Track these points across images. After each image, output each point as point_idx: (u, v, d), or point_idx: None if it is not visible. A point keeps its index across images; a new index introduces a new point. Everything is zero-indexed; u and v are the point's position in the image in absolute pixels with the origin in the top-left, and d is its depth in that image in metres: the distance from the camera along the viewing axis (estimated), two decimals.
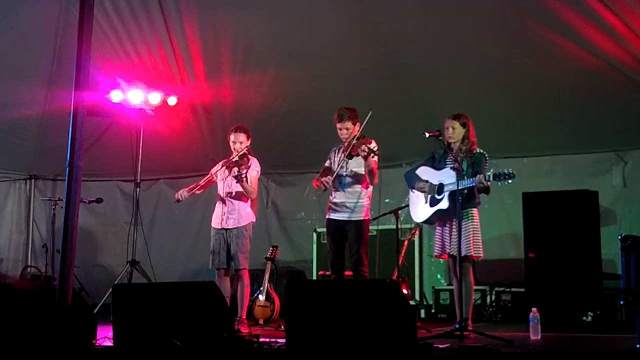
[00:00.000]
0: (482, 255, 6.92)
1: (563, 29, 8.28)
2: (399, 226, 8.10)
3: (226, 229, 7.68)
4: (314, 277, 9.99)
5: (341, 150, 7.42)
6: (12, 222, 12.09)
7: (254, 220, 7.87)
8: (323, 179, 7.33)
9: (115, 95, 10.07)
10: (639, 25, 7.97)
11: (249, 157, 7.75)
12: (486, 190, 6.78)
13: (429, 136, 6.85)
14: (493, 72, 9.09)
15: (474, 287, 7.14)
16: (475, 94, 9.18)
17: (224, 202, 7.75)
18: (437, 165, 7.10)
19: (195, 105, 10.50)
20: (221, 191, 7.81)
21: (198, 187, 7.90)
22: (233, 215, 7.69)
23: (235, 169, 7.52)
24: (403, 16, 8.78)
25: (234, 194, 7.72)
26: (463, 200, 6.70)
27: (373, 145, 7.13)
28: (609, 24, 8.02)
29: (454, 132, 6.99)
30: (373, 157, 7.08)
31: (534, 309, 6.67)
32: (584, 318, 8.02)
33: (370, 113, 7.23)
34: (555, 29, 8.34)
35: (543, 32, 8.42)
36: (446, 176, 6.87)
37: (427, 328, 7.42)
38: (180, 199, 7.91)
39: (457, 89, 9.25)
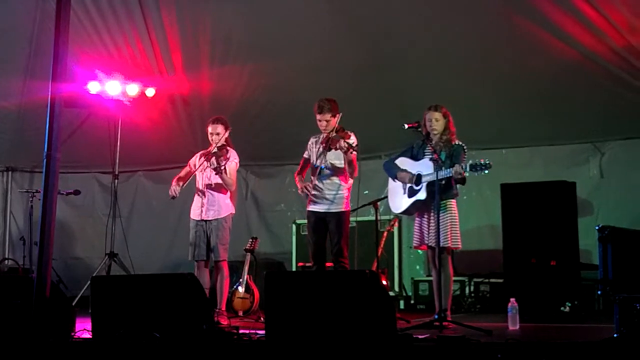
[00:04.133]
0: (460, 246, 6.96)
1: (542, 22, 8.32)
2: (379, 217, 8.11)
3: (206, 221, 7.66)
4: (294, 269, 9.99)
5: (319, 142, 7.42)
6: None
7: (234, 211, 7.86)
8: (304, 185, 7.35)
9: (93, 87, 10.00)
10: (616, 18, 8.03)
11: (228, 148, 7.73)
12: (462, 180, 6.81)
13: (408, 127, 6.87)
14: (472, 64, 9.12)
15: (453, 278, 7.17)
16: (454, 85, 9.19)
17: (203, 193, 7.73)
18: (416, 156, 7.12)
19: (174, 96, 10.46)
20: (200, 183, 7.78)
21: (182, 180, 7.84)
22: (213, 207, 7.67)
23: (214, 160, 7.51)
24: (383, 9, 8.79)
25: (213, 185, 7.70)
26: (441, 191, 6.72)
27: (352, 140, 7.12)
28: (587, 16, 8.07)
29: (438, 123, 7.00)
30: (352, 152, 7.08)
31: (512, 300, 6.70)
32: (562, 308, 8.06)
33: (340, 115, 7.28)
34: (534, 22, 8.38)
35: (522, 24, 8.46)
36: (424, 167, 6.90)
37: (406, 319, 7.43)
38: (176, 195, 7.80)
39: (436, 81, 9.26)
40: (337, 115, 7.31)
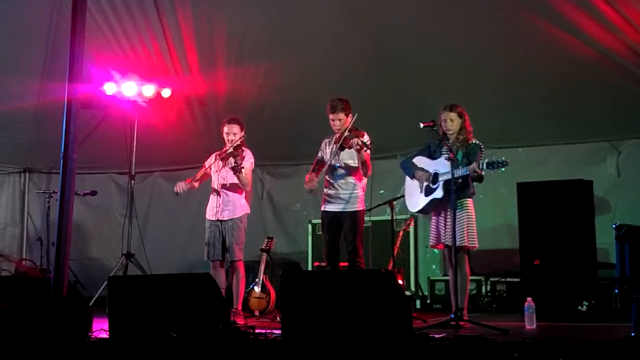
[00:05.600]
0: (477, 245, 6.93)
1: (556, 19, 8.29)
2: (394, 217, 8.10)
3: (221, 221, 7.68)
4: (310, 268, 10.00)
5: (333, 142, 7.42)
6: (7, 216, 12.07)
7: (249, 211, 7.88)
8: (309, 183, 7.35)
9: (109, 88, 10.05)
10: (632, 14, 7.99)
11: (243, 148, 7.74)
12: (479, 178, 6.78)
13: (424, 127, 6.85)
14: (487, 62, 9.09)
15: (470, 277, 7.14)
16: (469, 84, 9.18)
17: (218, 193, 7.75)
18: (433, 155, 7.11)
19: (190, 97, 10.49)
20: (215, 183, 7.80)
21: (196, 180, 7.90)
22: (228, 206, 7.69)
23: (232, 160, 7.53)
24: (396, 6, 8.77)
25: (228, 185, 7.72)
26: (458, 190, 6.71)
27: (366, 138, 7.11)
28: (603, 13, 8.03)
29: (452, 123, 6.98)
30: (366, 150, 7.07)
31: (529, 299, 6.68)
32: (579, 307, 8.03)
33: (355, 115, 7.27)
34: (549, 19, 8.34)
35: (536, 22, 8.43)
36: (441, 166, 6.88)
37: (422, 318, 7.43)
38: (179, 191, 7.86)
39: (451, 79, 9.25)
40: (350, 114, 7.31)
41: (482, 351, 5.19)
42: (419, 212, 7.32)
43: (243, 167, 7.49)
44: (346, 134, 7.23)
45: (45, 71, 10.11)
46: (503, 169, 6.49)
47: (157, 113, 10.52)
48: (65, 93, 6.10)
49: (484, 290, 9.31)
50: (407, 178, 7.34)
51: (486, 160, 6.56)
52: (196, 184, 7.90)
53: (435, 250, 8.69)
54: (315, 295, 5.47)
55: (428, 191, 7.02)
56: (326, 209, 7.42)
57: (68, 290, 5.95)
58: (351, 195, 7.30)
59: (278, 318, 7.58)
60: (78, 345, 5.79)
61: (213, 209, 7.75)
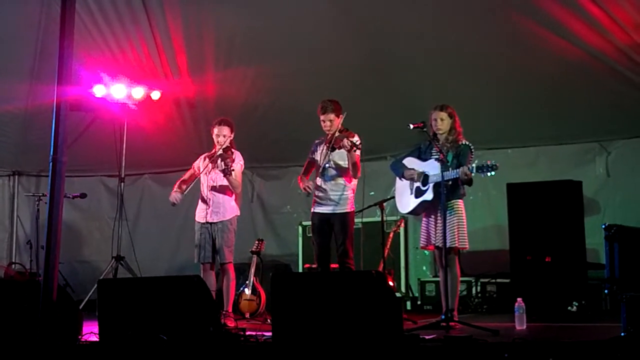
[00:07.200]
0: (467, 246, 6.94)
1: (546, 21, 8.30)
2: (384, 218, 8.11)
3: (211, 223, 7.66)
4: (300, 270, 9.99)
5: (324, 143, 7.43)
6: None
7: (239, 213, 7.86)
8: (306, 185, 7.36)
9: (98, 90, 10.03)
10: (621, 17, 8.01)
11: (232, 150, 7.74)
12: (469, 182, 6.79)
13: (414, 128, 6.85)
14: (477, 64, 9.10)
15: (460, 278, 7.15)
16: (459, 86, 9.18)
17: (208, 196, 7.72)
18: (423, 156, 7.11)
19: (179, 99, 10.47)
20: (205, 185, 7.79)
21: (185, 183, 7.88)
22: (218, 209, 7.68)
23: (222, 162, 7.51)
24: (387, 9, 8.78)
25: (218, 187, 7.70)
26: (448, 192, 6.71)
27: (356, 139, 7.13)
28: (592, 15, 8.04)
29: (443, 123, 6.99)
30: (356, 150, 7.08)
31: (519, 299, 6.69)
32: (569, 308, 8.04)
33: (345, 114, 7.30)
34: (539, 21, 8.36)
35: (526, 23, 8.44)
36: (431, 167, 6.89)
37: (413, 320, 7.44)
38: (177, 202, 7.87)
39: (441, 81, 9.25)
40: (341, 115, 7.33)
41: (473, 352, 5.21)
42: (409, 213, 7.33)
43: (233, 170, 7.48)
44: (337, 134, 7.25)
45: (34, 74, 10.07)
46: (493, 173, 6.50)
47: (147, 115, 10.49)
48: (54, 95, 6.09)
49: (474, 291, 9.32)
50: (398, 179, 7.34)
51: (476, 164, 6.56)
52: (184, 187, 7.89)
53: (426, 251, 8.71)
54: (306, 297, 5.48)
55: (418, 193, 7.03)
56: (316, 211, 7.43)
57: (58, 293, 5.93)
58: (341, 196, 7.31)
59: (269, 320, 7.57)
60: (68, 349, 5.78)
61: (203, 212, 7.74)
